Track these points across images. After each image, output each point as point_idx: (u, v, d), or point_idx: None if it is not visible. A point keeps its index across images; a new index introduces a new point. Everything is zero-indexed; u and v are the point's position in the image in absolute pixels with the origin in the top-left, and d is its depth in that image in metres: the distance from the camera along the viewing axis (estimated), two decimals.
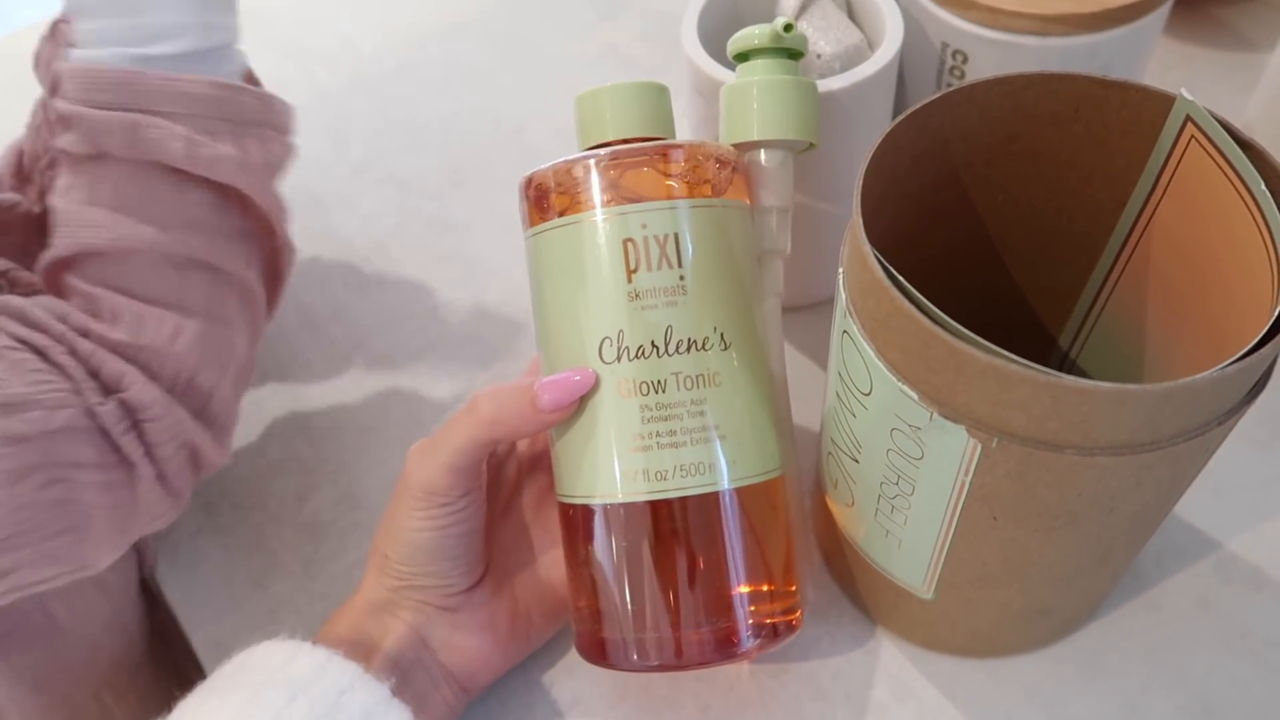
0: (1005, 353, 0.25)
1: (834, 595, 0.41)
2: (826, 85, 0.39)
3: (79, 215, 0.38)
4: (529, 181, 0.35)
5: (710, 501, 0.33)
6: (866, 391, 0.30)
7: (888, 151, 0.30)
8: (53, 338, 0.36)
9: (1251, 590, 0.39)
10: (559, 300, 0.34)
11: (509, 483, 0.41)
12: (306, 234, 0.57)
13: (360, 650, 0.35)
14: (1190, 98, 0.28)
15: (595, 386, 0.33)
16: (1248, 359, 0.24)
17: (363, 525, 0.46)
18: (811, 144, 0.37)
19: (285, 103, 0.42)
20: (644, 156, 0.34)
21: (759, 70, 0.36)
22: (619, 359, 0.33)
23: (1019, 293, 0.39)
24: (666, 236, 0.33)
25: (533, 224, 0.35)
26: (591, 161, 0.33)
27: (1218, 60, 0.58)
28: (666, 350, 0.33)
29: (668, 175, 0.34)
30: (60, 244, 0.38)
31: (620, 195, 0.33)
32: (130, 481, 0.36)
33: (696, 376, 0.33)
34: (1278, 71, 0.44)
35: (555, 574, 0.39)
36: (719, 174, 0.34)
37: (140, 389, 0.36)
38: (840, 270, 0.30)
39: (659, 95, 0.36)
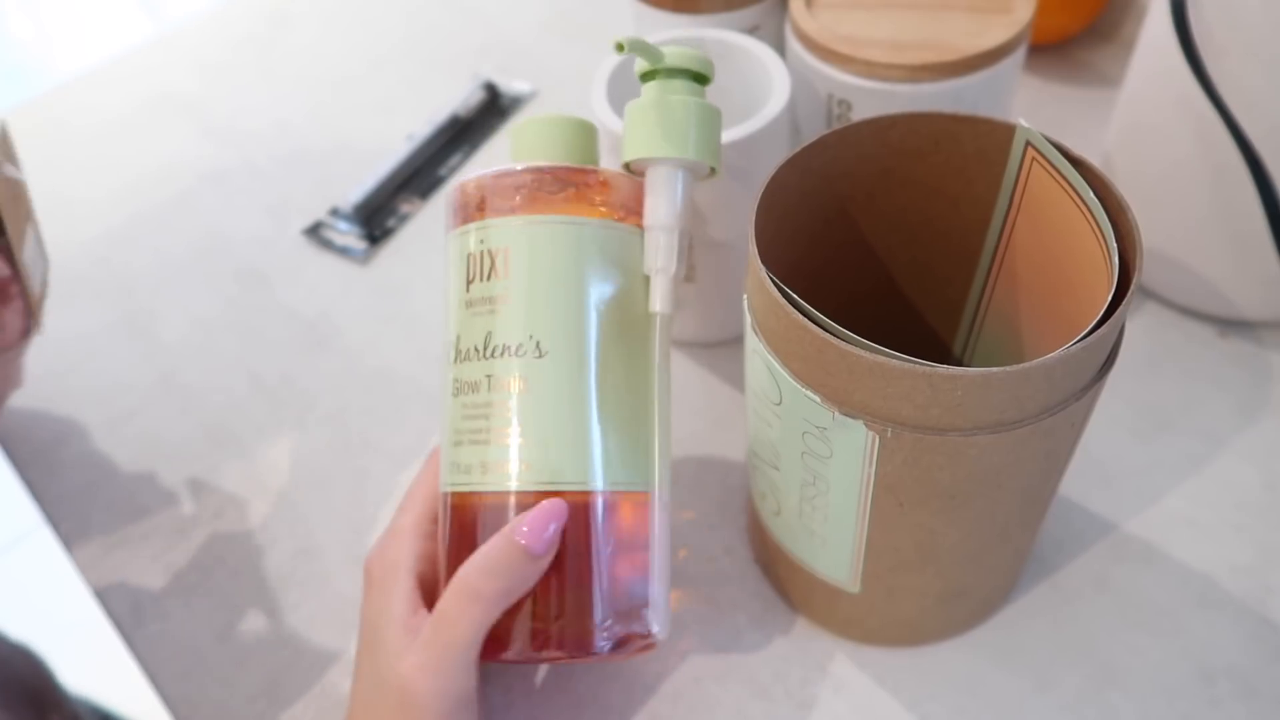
0: (888, 350, 0.28)
1: (770, 601, 0.44)
2: (725, 138, 0.43)
3: None
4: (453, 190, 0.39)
5: (502, 501, 0.34)
6: (777, 402, 0.33)
7: (776, 191, 0.34)
8: None
9: (1142, 565, 0.43)
10: (444, 301, 0.38)
11: None
12: (253, 308, 0.60)
13: None
14: (1028, 125, 0.33)
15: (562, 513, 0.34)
16: (1088, 339, 0.28)
17: (320, 576, 0.48)
18: (713, 169, 0.37)
19: None
20: (505, 176, 0.36)
21: (658, 90, 0.36)
22: (454, 361, 0.37)
23: (915, 310, 0.43)
24: (498, 250, 0.36)
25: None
26: (459, 183, 0.37)
27: (1082, 98, 0.64)
28: (484, 354, 0.35)
29: (516, 190, 0.36)
30: None
31: (473, 213, 0.37)
32: None
33: (506, 380, 0.35)
34: (1127, 103, 0.50)
35: None
36: (557, 189, 0.36)
37: None
38: (745, 297, 0.34)
39: (574, 129, 0.38)
